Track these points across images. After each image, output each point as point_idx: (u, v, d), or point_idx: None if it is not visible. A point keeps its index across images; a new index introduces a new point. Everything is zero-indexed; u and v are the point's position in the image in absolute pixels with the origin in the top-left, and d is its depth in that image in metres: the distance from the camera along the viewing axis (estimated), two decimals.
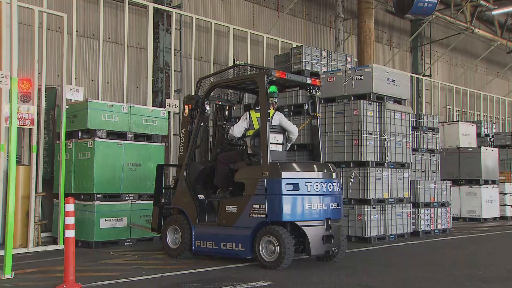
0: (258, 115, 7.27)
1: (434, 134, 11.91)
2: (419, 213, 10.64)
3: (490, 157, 14.77)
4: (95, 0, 10.79)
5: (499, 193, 15.08)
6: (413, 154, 11.07)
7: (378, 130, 9.63)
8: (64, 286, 5.33)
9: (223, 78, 8.01)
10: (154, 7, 11.31)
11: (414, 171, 11.22)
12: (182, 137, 8.00)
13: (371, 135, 9.49)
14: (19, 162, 8.83)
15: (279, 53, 12.74)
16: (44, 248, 8.35)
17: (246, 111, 7.56)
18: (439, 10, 17.86)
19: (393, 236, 9.66)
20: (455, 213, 14.24)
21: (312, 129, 7.71)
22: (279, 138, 7.34)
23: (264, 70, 7.59)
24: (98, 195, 8.68)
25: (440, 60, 21.12)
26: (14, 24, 6.45)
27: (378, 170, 9.47)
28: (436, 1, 14.37)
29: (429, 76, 19.97)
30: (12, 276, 5.96)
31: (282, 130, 7.40)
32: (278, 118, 7.39)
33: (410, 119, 10.42)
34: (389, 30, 19.20)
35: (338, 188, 7.02)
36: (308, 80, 7.47)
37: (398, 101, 10.21)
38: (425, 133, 11.73)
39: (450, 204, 11.53)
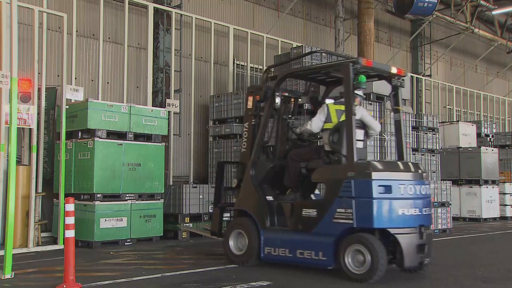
0: (338, 107, 6.64)
1: (434, 134, 11.90)
2: None
3: (490, 157, 14.77)
4: (95, 0, 10.79)
5: (499, 193, 15.08)
6: (413, 154, 11.07)
7: None
8: (64, 286, 5.33)
9: (299, 67, 7.24)
10: (154, 7, 11.31)
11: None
12: (245, 132, 7.29)
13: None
14: (19, 162, 8.82)
15: (279, 53, 12.74)
16: (44, 248, 8.35)
17: (324, 104, 6.82)
18: (439, 10, 17.86)
19: None
20: (455, 213, 14.23)
21: (395, 124, 6.90)
22: (360, 134, 6.63)
23: (350, 58, 6.72)
24: (98, 195, 8.68)
25: (440, 60, 21.12)
26: (14, 24, 6.45)
27: None
28: (436, 1, 14.38)
29: (429, 76, 19.96)
30: (12, 276, 5.96)
31: (363, 125, 6.71)
32: (360, 112, 6.63)
33: (410, 119, 10.42)
34: (389, 30, 19.20)
35: (429, 191, 6.26)
36: (394, 70, 6.68)
37: None
38: (425, 133, 11.73)
39: (450, 204, 11.53)
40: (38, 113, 8.72)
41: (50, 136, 9.54)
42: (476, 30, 19.84)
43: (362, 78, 6.28)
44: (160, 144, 9.64)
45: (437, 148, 11.98)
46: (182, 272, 6.40)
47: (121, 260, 7.44)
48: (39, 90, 8.80)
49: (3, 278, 5.87)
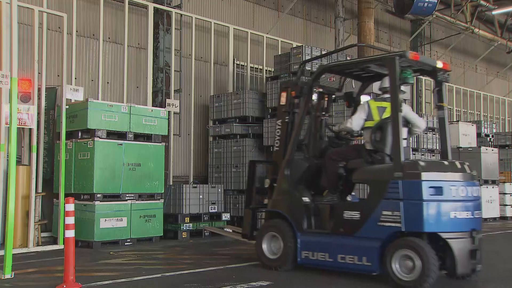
0: (379, 104, 6.38)
1: (434, 134, 11.91)
2: None
3: (490, 157, 14.77)
4: (95, 0, 10.79)
5: (499, 193, 15.08)
6: (413, 154, 11.07)
7: None
8: (64, 286, 5.33)
9: (338, 62, 6.83)
10: (154, 7, 11.31)
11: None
12: (278, 130, 6.97)
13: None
14: (19, 162, 8.82)
15: (279, 53, 12.73)
16: (44, 248, 8.35)
17: (364, 101, 6.55)
18: (439, 10, 17.85)
19: None
20: None
21: (439, 122, 6.54)
22: (404, 132, 6.28)
23: (395, 51, 6.31)
24: (98, 195, 8.68)
25: (440, 60, 21.10)
26: (14, 24, 6.45)
27: None
28: (436, 1, 14.36)
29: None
30: (12, 276, 5.96)
31: (406, 123, 6.40)
32: (405, 109, 6.25)
33: None
34: (389, 30, 19.20)
35: (479, 193, 5.90)
36: (439, 64, 6.39)
37: None
38: (425, 133, 11.73)
39: None
40: (38, 113, 8.72)
41: (50, 136, 9.54)
42: (476, 30, 19.83)
43: (409, 73, 6.02)
44: (160, 144, 9.64)
45: (437, 148, 11.97)
46: (182, 272, 6.40)
47: (121, 260, 7.44)
48: (39, 90, 8.80)
49: (3, 278, 5.87)
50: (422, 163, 5.66)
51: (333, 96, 7.48)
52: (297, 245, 6.30)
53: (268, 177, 6.98)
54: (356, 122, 6.42)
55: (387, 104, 6.24)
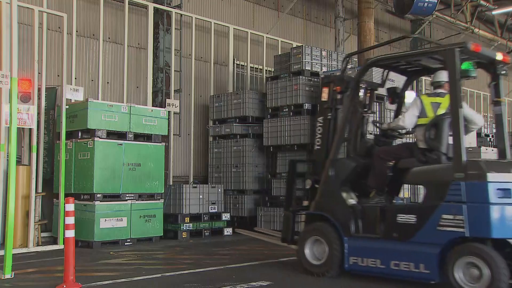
0: (433, 100, 6.00)
1: None
2: None
3: (490, 157, 14.75)
4: (95, 0, 10.79)
5: None
6: None
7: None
8: (64, 286, 5.33)
9: (389, 54, 6.37)
10: (154, 7, 11.30)
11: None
12: (319, 127, 6.63)
13: (371, 135, 9.46)
14: (19, 162, 8.82)
15: (279, 53, 12.73)
16: (44, 248, 8.35)
17: (416, 96, 6.16)
18: (439, 10, 17.85)
19: None
20: None
21: (496, 118, 6.06)
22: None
23: (455, 43, 5.82)
24: (98, 195, 8.68)
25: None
26: (14, 24, 6.45)
27: None
28: (436, 1, 14.35)
29: (429, 76, 19.94)
30: (12, 276, 5.96)
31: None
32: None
33: None
34: (389, 30, 19.20)
35: None
36: (499, 56, 5.95)
37: None
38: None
39: None
40: (38, 113, 8.72)
41: (50, 136, 9.54)
42: (476, 30, 19.83)
43: (469, 65, 5.62)
44: (160, 144, 9.64)
45: None
46: (182, 272, 6.40)
47: (121, 260, 7.44)
48: (39, 90, 8.80)
49: (3, 278, 5.88)
50: (485, 163, 5.30)
51: (375, 91, 7.06)
52: (344, 250, 5.90)
53: (309, 177, 6.63)
54: (409, 119, 6.04)
55: (441, 100, 5.93)
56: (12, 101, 6.26)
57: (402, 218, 5.55)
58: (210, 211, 10.45)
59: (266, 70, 13.31)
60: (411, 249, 5.46)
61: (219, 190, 10.73)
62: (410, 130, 6.31)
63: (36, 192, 8.55)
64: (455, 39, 20.54)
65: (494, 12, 19.69)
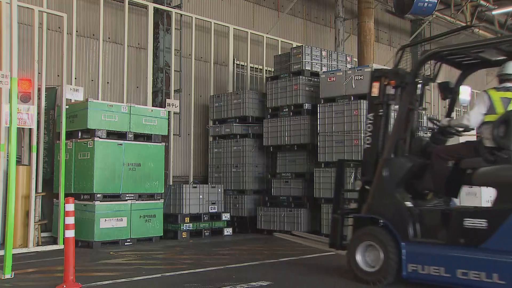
0: (503, 94, 5.56)
1: None
2: None
3: None
4: (95, 0, 10.79)
5: None
6: None
7: None
8: (64, 286, 5.33)
9: (452, 45, 5.87)
10: (154, 7, 11.31)
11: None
12: (369, 125, 6.16)
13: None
14: (19, 162, 8.83)
15: (279, 53, 12.73)
16: (44, 248, 8.35)
17: (483, 92, 5.68)
18: (439, 10, 17.84)
19: None
20: None
21: None
22: None
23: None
24: (98, 195, 8.69)
25: None
26: (14, 24, 6.45)
27: None
28: (436, 1, 14.35)
29: (429, 76, 19.94)
30: (12, 276, 5.96)
31: None
32: None
33: None
34: (389, 30, 19.20)
35: None
36: None
37: None
38: (425, 133, 11.72)
39: None
40: (38, 113, 8.72)
41: (50, 136, 9.54)
42: (476, 30, 19.82)
43: None
44: (160, 144, 9.64)
45: None
46: (182, 272, 6.40)
47: (121, 260, 7.44)
48: (39, 90, 8.80)
49: (3, 278, 5.87)
50: None
51: (426, 86, 6.54)
52: (402, 256, 5.43)
53: (359, 178, 6.21)
54: (474, 118, 5.61)
55: None
56: (12, 101, 6.26)
57: (470, 222, 5.06)
58: (210, 211, 10.45)
59: (266, 70, 13.32)
60: (482, 257, 4.96)
61: (219, 190, 10.74)
62: (474, 128, 5.89)
63: (36, 192, 8.55)
64: (455, 39, 20.54)
65: (494, 12, 19.69)
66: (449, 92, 6.22)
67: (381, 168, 5.80)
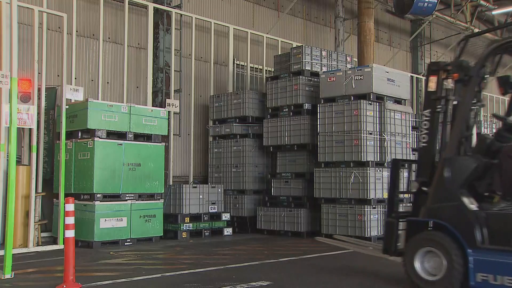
0: None
1: None
2: None
3: None
4: (95, 0, 10.79)
5: None
6: (413, 154, 11.05)
7: (378, 130, 9.64)
8: (64, 286, 5.33)
9: None
10: (154, 7, 11.30)
11: (414, 171, 11.19)
12: (426, 122, 5.77)
13: (371, 135, 9.49)
14: (19, 162, 8.83)
15: (279, 53, 12.73)
16: (44, 248, 8.35)
17: None
18: (439, 10, 17.85)
19: None
20: None
21: None
22: None
23: None
24: (98, 195, 8.69)
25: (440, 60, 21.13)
26: (14, 24, 6.45)
27: (378, 170, 9.47)
28: (436, 1, 14.35)
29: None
30: (12, 276, 5.96)
31: None
32: None
33: (410, 119, 10.41)
34: (389, 30, 19.20)
35: None
36: None
37: (398, 101, 10.22)
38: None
39: None
40: (38, 113, 8.72)
41: (50, 136, 9.54)
42: (476, 30, 19.82)
43: None
44: (160, 144, 9.64)
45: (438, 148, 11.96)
46: (182, 272, 6.40)
47: (121, 260, 7.44)
48: (39, 90, 8.80)
49: (3, 278, 5.87)
50: None
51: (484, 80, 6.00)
52: (469, 264, 5.01)
53: (416, 179, 5.83)
54: None
55: None
56: (12, 101, 6.26)
57: None
58: (210, 211, 10.45)
59: (266, 70, 13.32)
60: None
61: (219, 190, 10.74)
62: None
63: (36, 192, 8.55)
64: (455, 39, 20.54)
65: (494, 12, 19.69)
66: (509, 86, 5.85)
67: (442, 168, 5.40)
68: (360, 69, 9.87)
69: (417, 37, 19.91)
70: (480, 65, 5.58)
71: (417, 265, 5.35)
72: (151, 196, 9.45)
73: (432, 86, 5.76)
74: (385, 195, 9.55)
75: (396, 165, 6.20)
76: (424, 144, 5.75)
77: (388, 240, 5.84)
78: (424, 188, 5.64)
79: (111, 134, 9.01)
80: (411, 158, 10.11)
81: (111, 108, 9.01)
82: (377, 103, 9.70)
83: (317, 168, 9.98)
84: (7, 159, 8.00)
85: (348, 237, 7.83)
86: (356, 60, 14.11)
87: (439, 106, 5.70)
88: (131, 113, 9.24)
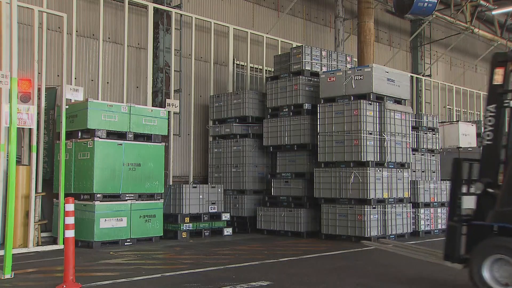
0: None
1: (434, 134, 11.93)
2: (419, 213, 10.65)
3: None
4: (95, 0, 10.79)
5: None
6: (413, 154, 11.07)
7: (378, 130, 9.64)
8: (64, 286, 5.33)
9: None
10: (154, 7, 11.31)
11: (414, 171, 11.22)
12: (490, 117, 5.32)
13: (371, 135, 9.50)
14: (19, 162, 8.82)
15: (279, 53, 12.73)
16: (44, 248, 8.35)
17: None
18: (439, 10, 17.85)
19: (393, 236, 9.66)
20: None
21: None
22: None
23: None
24: (98, 195, 8.69)
25: (440, 60, 21.12)
26: (14, 24, 6.45)
27: (378, 170, 9.48)
28: (436, 1, 14.36)
29: (429, 76, 19.96)
30: (12, 276, 5.96)
31: None
32: None
33: (410, 119, 10.42)
34: (389, 30, 19.20)
35: None
36: None
37: (398, 101, 10.22)
38: (425, 133, 11.74)
39: None
40: (38, 113, 8.72)
41: (50, 136, 9.54)
42: (476, 30, 19.83)
43: None
44: (160, 144, 9.64)
45: (437, 148, 12.00)
46: (182, 272, 6.40)
47: (121, 260, 7.44)
48: (39, 90, 8.80)
49: (3, 278, 5.87)
50: None
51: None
52: None
53: (480, 180, 5.48)
54: None
55: None
56: (12, 101, 6.26)
57: None
58: (210, 211, 10.45)
59: (266, 70, 13.32)
60: None
61: (219, 190, 10.74)
62: None
63: (36, 192, 8.55)
64: (455, 39, 20.55)
65: (494, 12, 19.70)
66: None
67: (511, 167, 5.05)
68: (360, 69, 9.87)
69: (417, 37, 19.90)
70: None
71: (486, 274, 4.95)
72: (151, 196, 9.45)
73: (499, 79, 5.33)
74: (385, 195, 9.57)
75: (458, 164, 5.66)
76: (488, 142, 5.34)
77: (450, 245, 5.41)
78: (490, 190, 5.31)
79: (111, 134, 9.01)
80: (409, 159, 10.13)
81: (111, 108, 9.01)
82: (377, 103, 9.70)
83: (317, 168, 9.98)
84: (7, 159, 8.00)
85: (398, 242, 7.24)
86: (356, 60, 14.11)
87: (506, 101, 5.29)
88: (131, 113, 9.24)
